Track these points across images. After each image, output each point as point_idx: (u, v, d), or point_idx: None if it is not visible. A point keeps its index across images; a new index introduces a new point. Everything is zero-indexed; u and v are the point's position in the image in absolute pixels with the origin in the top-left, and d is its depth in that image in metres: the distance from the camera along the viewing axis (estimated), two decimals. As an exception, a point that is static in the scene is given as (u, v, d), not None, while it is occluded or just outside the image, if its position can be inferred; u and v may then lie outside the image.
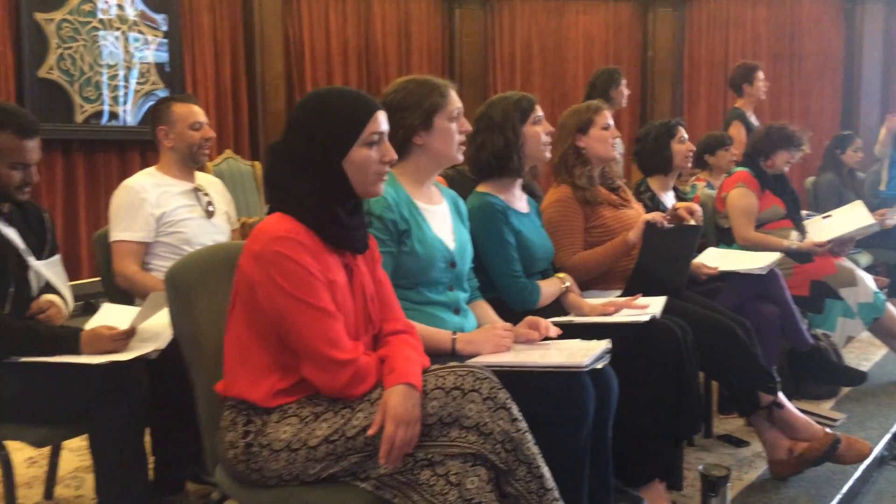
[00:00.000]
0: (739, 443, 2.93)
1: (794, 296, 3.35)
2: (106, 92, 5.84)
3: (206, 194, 2.79)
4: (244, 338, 1.64)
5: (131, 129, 6.01)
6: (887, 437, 3.03)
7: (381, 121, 1.70)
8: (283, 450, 1.57)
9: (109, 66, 5.85)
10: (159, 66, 6.14)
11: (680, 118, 3.53)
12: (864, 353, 4.13)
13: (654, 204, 3.26)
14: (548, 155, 2.56)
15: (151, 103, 6.03)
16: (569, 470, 1.86)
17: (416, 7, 7.50)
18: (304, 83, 7.06)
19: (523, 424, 1.59)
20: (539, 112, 2.50)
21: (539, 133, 2.49)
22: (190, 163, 2.76)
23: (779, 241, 3.73)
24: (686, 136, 3.38)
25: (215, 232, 2.74)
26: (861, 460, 2.59)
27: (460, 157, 2.15)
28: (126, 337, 2.07)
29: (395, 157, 1.75)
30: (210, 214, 2.75)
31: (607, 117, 2.82)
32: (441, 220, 2.14)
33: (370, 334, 1.76)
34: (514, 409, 1.60)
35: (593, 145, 2.79)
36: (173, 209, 2.67)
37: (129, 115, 6.01)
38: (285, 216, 1.62)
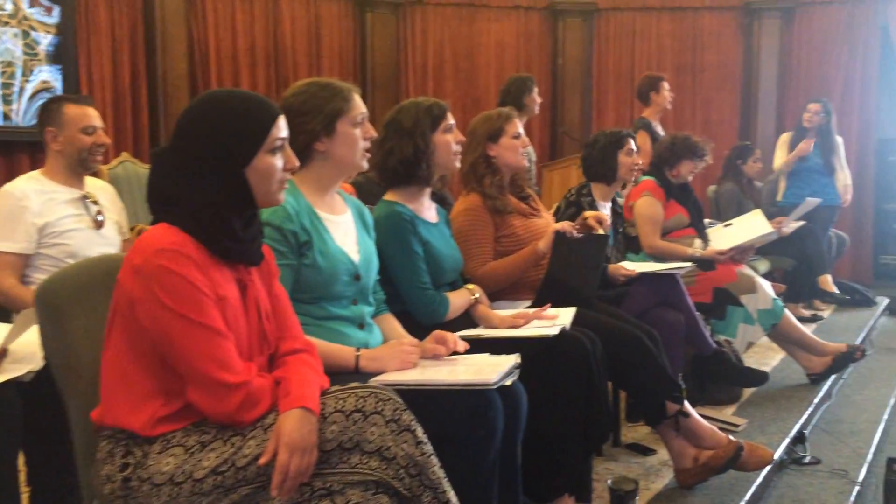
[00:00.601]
0: (646, 451, 2.94)
1: (697, 302, 3.41)
2: (-7, 90, 5.47)
3: (96, 202, 2.60)
4: (123, 360, 1.50)
5: (20, 129, 5.64)
6: (786, 441, 3.11)
7: (283, 126, 1.61)
8: (165, 484, 1.44)
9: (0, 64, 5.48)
10: (52, 64, 5.79)
11: (630, 130, 3.54)
12: (763, 359, 4.26)
13: (592, 210, 3.24)
14: (457, 164, 2.51)
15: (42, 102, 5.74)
16: (477, 490, 1.80)
17: (327, 10, 7.35)
18: (209, 84, 6.79)
19: (428, 447, 1.52)
20: (450, 120, 2.44)
21: (450, 141, 2.42)
22: (79, 168, 2.57)
23: (683, 250, 3.81)
24: (634, 148, 3.39)
25: (104, 244, 2.56)
26: (763, 466, 2.64)
27: (365, 165, 2.06)
28: None
29: (298, 164, 1.66)
30: (99, 225, 2.57)
31: (517, 126, 2.79)
32: (345, 231, 2.05)
33: (265, 354, 1.65)
34: (419, 432, 1.52)
35: (503, 154, 2.75)
36: (58, 219, 2.47)
37: (19, 114, 5.64)
38: (171, 227, 1.50)
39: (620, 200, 4.38)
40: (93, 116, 2.57)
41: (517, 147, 2.77)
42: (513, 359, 1.91)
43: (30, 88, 5.68)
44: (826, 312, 5.40)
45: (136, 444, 1.49)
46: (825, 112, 5.40)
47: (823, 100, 5.57)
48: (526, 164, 2.83)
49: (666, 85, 5.11)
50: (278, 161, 1.58)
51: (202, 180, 1.51)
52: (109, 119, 6.17)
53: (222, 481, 1.44)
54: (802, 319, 4.74)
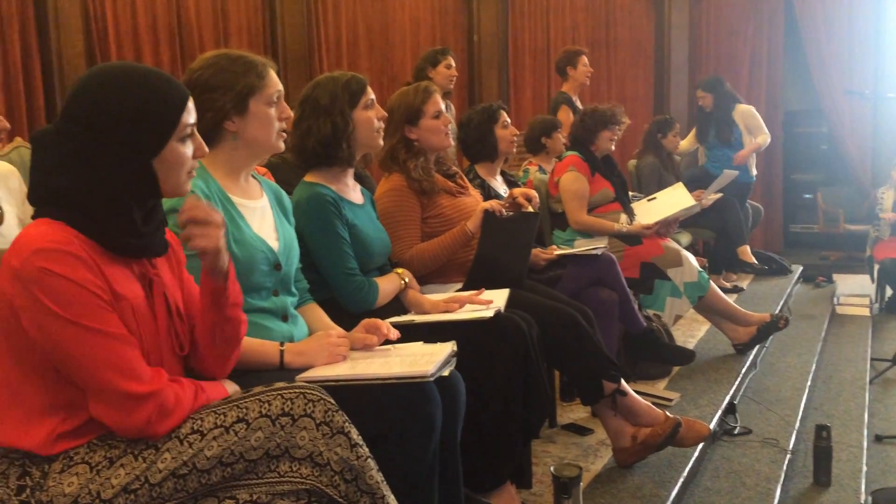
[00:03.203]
0: (584, 431, 2.89)
1: (625, 278, 3.38)
2: None
3: None
4: (11, 373, 1.32)
5: None
6: (718, 413, 3.12)
7: (192, 109, 1.43)
8: (68, 508, 1.27)
9: None
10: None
11: (501, 102, 3.45)
12: (689, 330, 4.29)
13: (485, 191, 3.16)
14: (381, 143, 2.35)
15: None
16: (417, 487, 1.70)
17: (233, -14, 7.02)
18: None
19: (364, 450, 1.39)
20: (371, 95, 2.28)
21: (371, 118, 2.27)
22: None
23: (610, 225, 3.78)
24: (508, 120, 3.31)
25: (5, 240, 2.30)
26: (700, 441, 2.62)
27: (281, 146, 1.89)
28: None
29: (207, 151, 1.49)
30: None
31: (438, 103, 2.64)
32: (261, 217, 1.88)
33: (178, 357, 1.48)
34: (354, 434, 1.39)
35: (426, 136, 2.61)
36: None
37: None
38: (54, 222, 1.31)
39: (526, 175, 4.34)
40: None
41: (439, 127, 2.63)
42: (449, 346, 1.80)
43: None
44: (745, 283, 5.51)
45: (34, 464, 1.31)
46: (709, 91, 5.46)
47: (708, 81, 5.61)
48: (451, 143, 2.70)
49: (584, 59, 5.08)
50: (188, 149, 1.42)
51: (99, 170, 1.33)
52: (0, 102, 5.73)
53: (134, 500, 1.29)
54: (724, 291, 4.81)
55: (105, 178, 1.33)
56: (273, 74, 1.86)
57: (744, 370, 3.69)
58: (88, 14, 6.28)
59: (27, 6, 6.01)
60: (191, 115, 1.42)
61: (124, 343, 1.31)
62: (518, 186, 3.40)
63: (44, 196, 1.35)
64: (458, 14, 8.06)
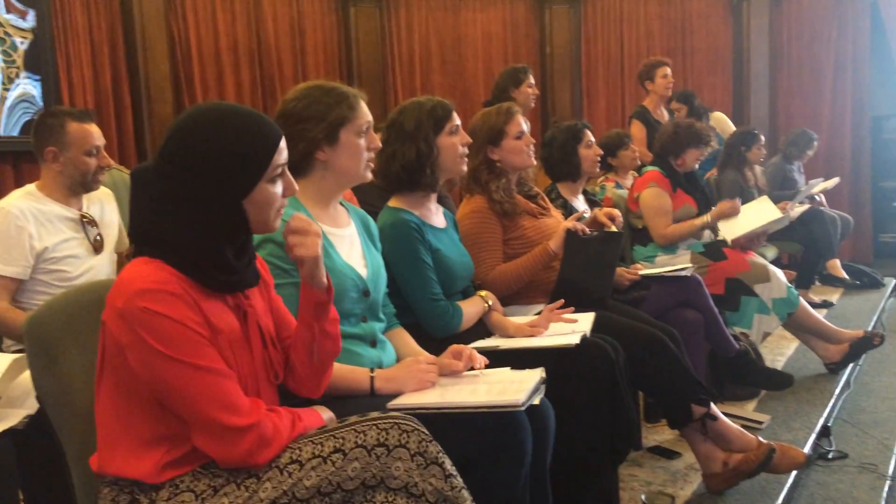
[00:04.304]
0: (671, 455, 2.82)
1: (710, 294, 3.29)
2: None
3: (94, 223, 2.43)
4: (119, 406, 1.36)
5: (3, 139, 5.45)
6: (812, 436, 3.01)
7: (284, 149, 1.46)
8: (175, 535, 1.31)
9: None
10: (31, 70, 5.60)
11: (585, 121, 3.41)
12: (778, 348, 4.15)
13: (566, 210, 3.12)
14: (464, 168, 2.36)
15: (27, 113, 5.54)
16: (507, 516, 1.68)
17: (309, 5, 7.18)
18: (193, 84, 6.63)
19: (458, 481, 1.39)
20: (456, 121, 2.29)
21: (456, 144, 2.28)
22: (79, 190, 2.41)
23: (692, 224, 3.68)
24: (592, 139, 3.26)
25: (102, 270, 2.41)
26: (795, 468, 2.53)
27: (368, 176, 1.92)
28: None
29: (297, 189, 1.52)
30: (98, 247, 2.41)
31: (521, 123, 2.64)
32: (350, 245, 1.91)
33: (273, 385, 1.52)
34: (448, 464, 1.40)
35: (508, 157, 2.61)
36: (56, 244, 2.31)
37: (0, 124, 5.44)
38: (152, 261, 1.35)
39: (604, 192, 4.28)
40: (96, 135, 2.39)
41: (521, 147, 2.62)
42: (538, 374, 1.78)
43: (10, 97, 5.50)
44: (835, 297, 5.30)
45: (142, 491, 1.36)
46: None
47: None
48: (534, 162, 2.69)
49: (663, 71, 4.96)
50: (278, 188, 1.44)
51: (192, 209, 1.36)
52: (92, 124, 6.00)
53: (237, 529, 1.32)
54: (813, 305, 4.65)
55: (197, 216, 1.37)
56: (363, 105, 1.89)
57: (837, 391, 3.55)
58: (173, 38, 6.53)
59: (116, 33, 6.29)
60: (282, 156, 1.44)
61: (223, 377, 1.34)
62: (598, 205, 3.37)
63: (142, 233, 1.40)
64: (530, 26, 8.04)
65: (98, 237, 2.43)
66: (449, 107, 2.29)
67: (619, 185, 4.49)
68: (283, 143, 1.45)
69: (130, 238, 1.42)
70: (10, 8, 5.46)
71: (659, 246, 3.72)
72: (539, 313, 2.51)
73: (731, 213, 3.70)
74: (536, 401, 1.69)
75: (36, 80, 5.64)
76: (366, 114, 1.89)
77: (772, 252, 4.68)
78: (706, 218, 3.68)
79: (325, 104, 1.83)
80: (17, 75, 5.54)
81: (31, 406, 1.79)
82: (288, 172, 1.48)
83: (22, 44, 5.55)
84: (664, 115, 5.01)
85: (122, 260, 2.58)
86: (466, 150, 2.34)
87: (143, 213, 1.41)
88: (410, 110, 2.26)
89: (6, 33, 5.45)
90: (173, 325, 1.30)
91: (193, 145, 1.37)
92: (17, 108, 5.54)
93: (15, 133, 5.48)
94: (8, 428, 1.72)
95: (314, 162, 1.86)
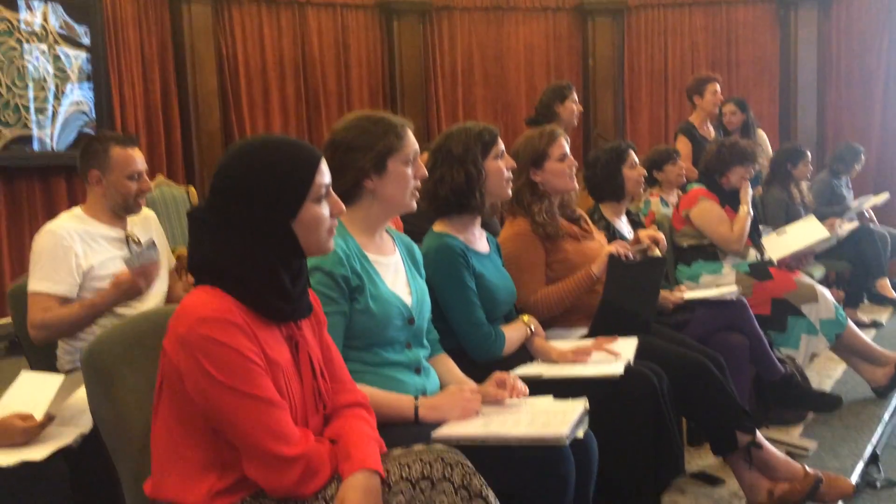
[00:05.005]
0: (715, 481, 2.78)
1: (755, 315, 3.25)
2: (26, 114, 5.45)
3: (138, 242, 2.52)
4: (174, 432, 1.41)
5: (56, 154, 5.63)
6: (860, 464, 2.95)
7: (326, 171, 1.51)
8: (225, 562, 1.35)
9: (31, 87, 5.46)
10: (83, 84, 5.77)
11: (629, 141, 3.40)
12: (825, 370, 4.07)
13: (609, 232, 3.11)
14: (510, 192, 2.39)
15: (79, 127, 5.70)
16: (550, 547, 1.69)
17: (354, 20, 7.27)
18: (240, 98, 6.77)
19: (502, 514, 1.41)
20: (501, 146, 2.32)
21: (501, 168, 2.31)
22: (121, 212, 2.50)
23: (740, 216, 3.61)
24: (637, 160, 3.25)
25: (152, 287, 2.48)
26: (843, 498, 2.49)
27: (413, 206, 1.95)
28: (42, 428, 1.80)
29: (344, 208, 1.56)
30: None
31: (563, 146, 2.64)
32: (395, 273, 1.94)
33: (320, 414, 1.55)
34: (492, 497, 1.42)
35: (550, 179, 2.61)
36: (101, 262, 2.40)
37: (53, 139, 5.62)
38: (213, 290, 1.40)
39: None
40: (138, 160, 2.48)
41: (564, 170, 2.62)
42: (581, 405, 1.79)
43: (63, 112, 5.67)
44: (884, 317, 5.18)
45: (193, 518, 1.40)
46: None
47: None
48: (576, 185, 2.69)
49: (713, 87, 4.88)
50: (324, 209, 1.49)
51: (246, 237, 1.42)
52: (143, 139, 6.14)
53: (285, 557, 1.35)
54: (861, 325, 4.55)
55: (251, 244, 1.42)
56: (410, 134, 1.92)
57: (887, 416, 3.47)
58: (221, 54, 6.67)
59: (167, 49, 6.45)
60: (325, 177, 1.49)
61: (277, 407, 1.38)
62: (641, 225, 3.35)
63: (202, 266, 1.45)
64: (573, 38, 8.03)
65: None
66: (495, 132, 2.32)
67: (664, 201, 4.45)
68: (324, 165, 1.50)
69: (190, 270, 1.47)
70: (64, 25, 5.63)
71: (703, 265, 3.67)
72: (583, 336, 2.52)
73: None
74: (580, 433, 1.69)
75: (89, 95, 5.81)
76: (413, 143, 1.92)
77: (819, 271, 4.60)
78: (747, 207, 3.63)
79: (373, 134, 1.87)
80: (71, 91, 5.72)
81: (86, 424, 1.85)
82: (333, 193, 1.52)
83: (76, 59, 5.73)
84: (710, 132, 4.94)
85: (172, 276, 2.66)
86: (511, 175, 2.36)
87: (201, 247, 1.46)
88: (457, 135, 2.29)
89: (60, 49, 5.63)
90: (232, 353, 1.34)
91: (239, 175, 1.44)
92: (71, 123, 5.72)
93: (68, 147, 5.65)
94: (62, 447, 1.77)
95: (362, 190, 1.90)
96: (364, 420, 1.56)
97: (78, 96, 5.76)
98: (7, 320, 5.09)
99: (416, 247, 2.10)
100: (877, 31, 7.46)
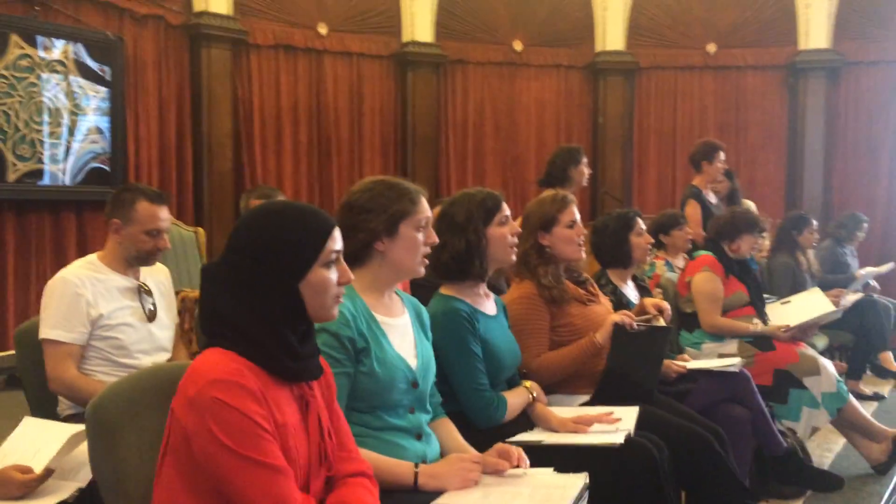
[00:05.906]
0: (712, 556, 2.75)
1: (756, 385, 3.24)
2: (41, 150, 5.53)
3: (150, 293, 2.54)
4: (177, 493, 1.41)
5: (67, 189, 5.70)
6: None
7: (338, 238, 1.54)
8: None
9: (48, 123, 5.55)
10: (100, 123, 5.86)
11: (636, 209, 3.44)
12: (826, 443, 4.04)
13: (616, 297, 3.12)
14: (514, 258, 2.41)
15: (95, 162, 5.78)
16: None
17: (369, 69, 7.40)
18: (253, 142, 6.86)
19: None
20: (506, 211, 2.35)
21: (505, 234, 2.33)
22: (136, 263, 2.53)
23: (745, 327, 3.66)
24: (644, 227, 3.28)
25: (154, 339, 2.50)
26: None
27: (422, 271, 1.97)
28: (40, 482, 1.80)
29: (352, 277, 1.58)
30: (151, 317, 2.51)
31: (574, 213, 2.67)
32: (402, 335, 1.95)
33: (323, 476, 1.55)
34: (489, 575, 1.40)
35: (558, 245, 2.64)
36: (111, 311, 2.42)
37: (66, 174, 5.69)
38: (225, 352, 1.42)
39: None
40: (162, 219, 2.51)
41: (573, 237, 2.65)
42: (581, 480, 1.78)
43: (76, 147, 5.75)
44: (886, 389, 5.15)
45: (192, 580, 1.39)
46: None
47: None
48: (583, 255, 2.71)
49: (721, 155, 4.93)
50: (333, 275, 1.51)
51: (255, 295, 1.44)
52: (155, 177, 6.22)
53: None
54: (863, 397, 4.53)
55: (258, 301, 1.44)
56: (424, 201, 1.96)
57: (887, 493, 3.43)
58: (237, 97, 6.77)
59: (184, 90, 6.56)
60: (336, 243, 1.52)
61: (282, 474, 1.38)
62: (647, 290, 3.37)
63: (213, 324, 1.47)
64: (584, 95, 8.15)
65: (152, 306, 2.53)
66: (499, 198, 2.35)
67: (669, 264, 4.47)
68: (336, 232, 1.53)
69: (202, 329, 1.49)
70: (83, 69, 5.74)
71: (706, 333, 3.69)
72: (584, 404, 2.52)
73: (783, 339, 3.64)
74: (581, 510, 1.69)
75: (105, 133, 5.89)
76: (426, 210, 1.95)
77: (822, 342, 4.60)
78: (759, 327, 3.65)
79: (387, 197, 1.91)
80: (87, 127, 5.80)
81: (83, 478, 1.84)
82: (343, 262, 1.55)
83: (94, 96, 5.83)
84: (712, 197, 4.99)
85: (177, 335, 2.67)
86: (516, 241, 2.38)
87: (213, 303, 1.48)
88: (461, 202, 2.32)
89: (78, 84, 5.73)
90: (241, 418, 1.35)
91: (254, 235, 1.48)
92: (84, 159, 5.80)
93: (79, 182, 5.71)
94: (60, 502, 1.77)
95: (372, 252, 1.92)
96: (368, 490, 1.56)
97: (93, 133, 5.85)
98: (8, 352, 5.12)
99: (424, 309, 2.11)
100: (885, 103, 7.57)
